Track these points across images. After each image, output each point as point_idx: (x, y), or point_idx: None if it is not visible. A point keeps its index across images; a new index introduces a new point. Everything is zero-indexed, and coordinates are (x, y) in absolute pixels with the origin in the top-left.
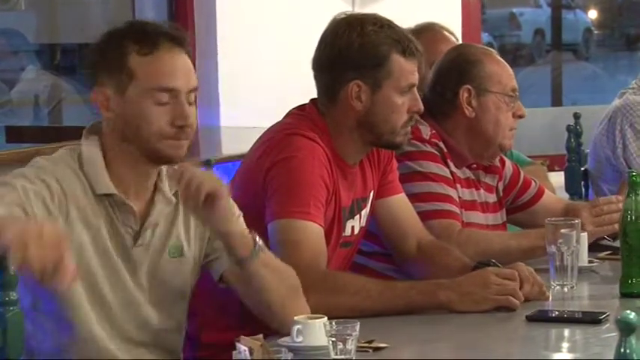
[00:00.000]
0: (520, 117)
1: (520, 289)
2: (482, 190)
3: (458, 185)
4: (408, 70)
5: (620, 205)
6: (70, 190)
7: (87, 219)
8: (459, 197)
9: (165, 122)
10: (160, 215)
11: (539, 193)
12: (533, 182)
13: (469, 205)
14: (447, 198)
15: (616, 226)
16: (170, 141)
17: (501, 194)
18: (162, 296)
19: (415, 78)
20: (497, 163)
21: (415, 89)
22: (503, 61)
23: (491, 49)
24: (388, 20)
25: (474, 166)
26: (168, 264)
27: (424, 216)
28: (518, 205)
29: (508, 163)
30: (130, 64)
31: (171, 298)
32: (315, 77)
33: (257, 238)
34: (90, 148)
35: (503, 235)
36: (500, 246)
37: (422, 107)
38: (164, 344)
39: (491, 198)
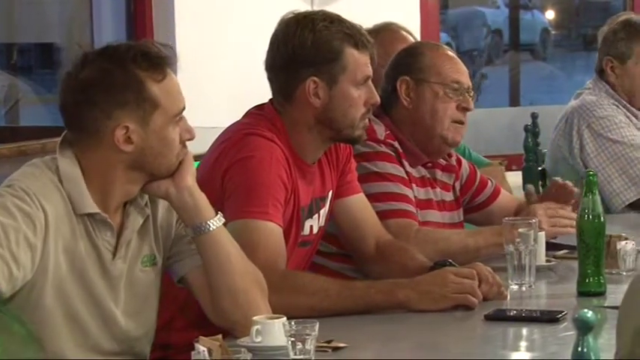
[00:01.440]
0: (465, 109)
1: (478, 288)
2: (438, 189)
3: (413, 185)
4: (362, 62)
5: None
6: (52, 211)
7: (65, 242)
8: (415, 197)
9: (178, 142)
10: (135, 226)
11: (496, 193)
12: (489, 182)
13: (425, 204)
14: (403, 197)
15: (571, 227)
16: (180, 159)
17: (458, 193)
18: (136, 306)
19: (369, 70)
20: (453, 162)
21: (370, 81)
22: (454, 55)
23: (444, 45)
24: (337, 15)
25: (430, 165)
26: (142, 274)
27: (381, 216)
28: (474, 205)
29: (465, 163)
30: (151, 94)
31: (144, 307)
32: (270, 78)
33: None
34: (68, 167)
35: (461, 233)
36: (458, 244)
37: (378, 99)
38: (134, 351)
39: (448, 196)
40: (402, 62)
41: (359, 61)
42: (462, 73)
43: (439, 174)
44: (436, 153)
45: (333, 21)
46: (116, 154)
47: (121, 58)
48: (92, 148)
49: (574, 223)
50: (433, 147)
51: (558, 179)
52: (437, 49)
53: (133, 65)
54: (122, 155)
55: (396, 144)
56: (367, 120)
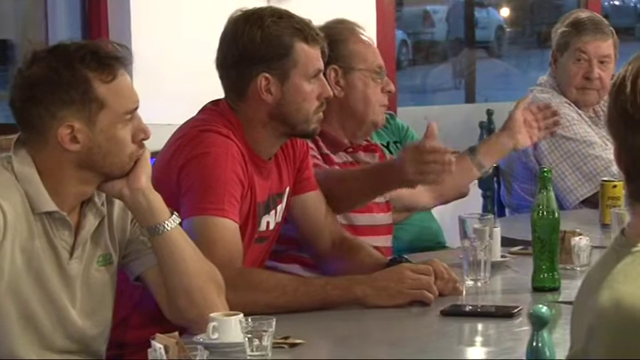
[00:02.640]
0: (389, 92)
1: (434, 284)
2: None
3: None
4: (313, 56)
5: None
6: (10, 211)
7: (22, 241)
8: None
9: (130, 141)
10: (91, 226)
11: None
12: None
13: None
14: None
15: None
16: (134, 159)
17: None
18: (92, 305)
19: (320, 63)
20: (372, 141)
21: (322, 75)
22: (369, 39)
23: (357, 27)
24: (285, 11)
25: (351, 149)
26: (98, 273)
27: None
28: None
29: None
30: (98, 94)
31: (100, 306)
32: (221, 77)
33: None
34: (23, 166)
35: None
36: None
37: (331, 92)
38: (89, 350)
39: None
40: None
41: (310, 55)
42: (380, 56)
43: (362, 155)
44: (364, 136)
45: (282, 16)
46: (63, 153)
47: (69, 57)
48: (41, 147)
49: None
50: (362, 132)
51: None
52: (356, 34)
53: (81, 65)
54: (70, 154)
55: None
56: (321, 113)
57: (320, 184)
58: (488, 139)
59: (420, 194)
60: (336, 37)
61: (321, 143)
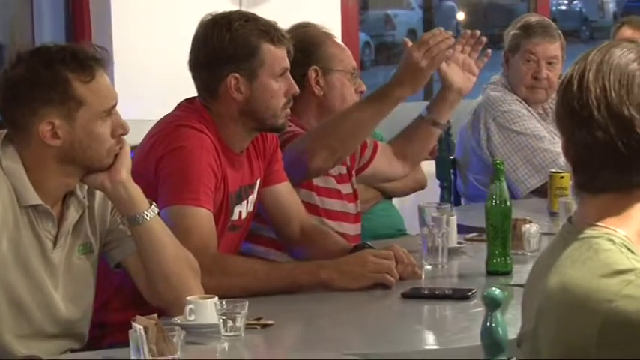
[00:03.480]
0: (361, 92)
1: (395, 268)
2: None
3: None
4: (279, 56)
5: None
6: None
7: (9, 233)
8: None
9: (108, 137)
10: (74, 217)
11: (375, 148)
12: (367, 142)
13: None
14: None
15: (449, 53)
16: (113, 153)
17: (349, 165)
18: (74, 291)
19: (286, 62)
20: None
21: (288, 73)
22: (342, 43)
23: (328, 30)
24: (252, 14)
25: None
26: (79, 261)
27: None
28: (361, 166)
29: None
30: (76, 93)
31: (81, 291)
32: (194, 77)
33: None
34: (10, 162)
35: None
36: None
37: (297, 89)
38: (74, 332)
39: (343, 170)
40: (307, 52)
41: (276, 55)
42: (353, 59)
43: None
44: None
45: (249, 19)
46: (46, 148)
47: (50, 58)
48: (26, 144)
49: (450, 44)
50: None
51: (468, 31)
52: (333, 38)
53: (61, 66)
54: (52, 150)
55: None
56: (289, 109)
57: (319, 136)
58: (434, 97)
59: (394, 165)
60: (315, 41)
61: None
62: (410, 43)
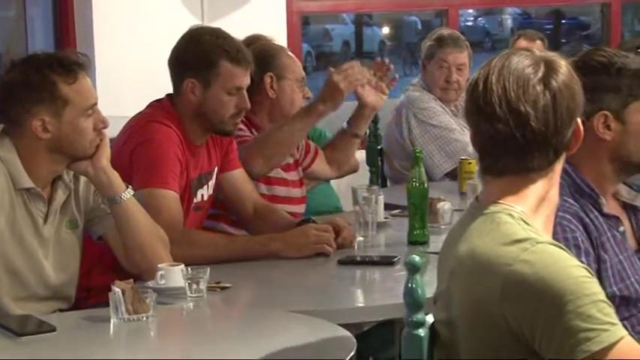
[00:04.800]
0: (308, 98)
1: (337, 238)
2: None
3: None
4: (235, 74)
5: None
6: None
7: (6, 212)
8: None
9: (91, 130)
10: (61, 198)
11: (315, 154)
12: (310, 146)
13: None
14: None
15: (364, 80)
16: (95, 144)
17: (297, 156)
18: (62, 260)
19: (242, 81)
20: None
21: (243, 91)
22: (294, 55)
23: (283, 45)
24: (225, 33)
25: None
26: (66, 235)
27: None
28: (305, 167)
29: None
30: (62, 93)
31: (68, 260)
32: (169, 75)
33: (130, 188)
34: (7, 152)
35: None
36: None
37: (248, 105)
38: (62, 295)
39: (290, 160)
40: (264, 61)
41: (232, 73)
42: (302, 70)
43: None
44: None
45: (219, 37)
46: (37, 140)
47: (39, 64)
48: (20, 136)
49: (365, 75)
50: None
51: (379, 59)
52: (286, 51)
53: (49, 70)
54: (42, 142)
55: (245, 128)
56: (238, 119)
57: (256, 147)
58: (353, 114)
59: (326, 168)
60: (272, 52)
61: (254, 132)
62: (332, 70)
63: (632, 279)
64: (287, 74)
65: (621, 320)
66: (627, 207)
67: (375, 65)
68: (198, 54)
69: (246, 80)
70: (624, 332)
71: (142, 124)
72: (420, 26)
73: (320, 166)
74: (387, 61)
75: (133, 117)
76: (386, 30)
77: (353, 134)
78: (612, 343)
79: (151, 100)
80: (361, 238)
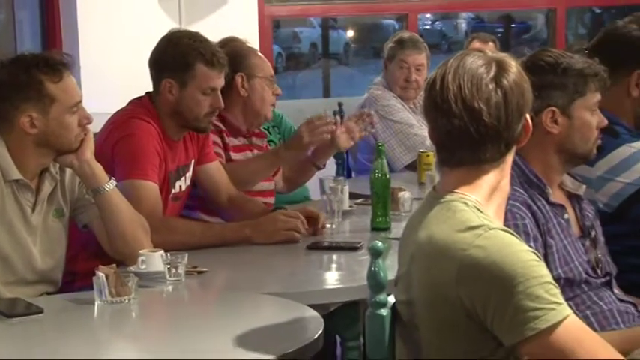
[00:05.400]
0: (277, 95)
1: (312, 226)
2: (255, 150)
3: (230, 152)
4: (209, 76)
5: (328, 123)
6: None
7: None
8: (233, 159)
9: (76, 126)
10: (48, 189)
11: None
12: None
13: None
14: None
15: (327, 136)
16: (80, 138)
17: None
18: (49, 247)
19: (216, 82)
20: (261, 129)
21: (217, 91)
22: (263, 55)
23: (254, 47)
24: (202, 37)
25: (247, 135)
26: (53, 223)
27: None
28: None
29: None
30: (49, 91)
31: (55, 247)
32: (150, 75)
33: (113, 179)
34: None
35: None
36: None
37: (221, 105)
38: (49, 279)
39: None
40: (235, 61)
41: (207, 75)
42: (271, 68)
43: (255, 139)
44: (257, 126)
45: (196, 41)
46: (26, 135)
47: (27, 64)
48: (9, 132)
49: (330, 129)
50: (257, 122)
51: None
52: (255, 51)
53: (36, 70)
54: (30, 137)
55: (220, 124)
56: (212, 118)
57: (233, 172)
58: (318, 147)
59: (280, 183)
60: (243, 53)
61: (224, 135)
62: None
63: (576, 262)
64: (257, 73)
65: (566, 300)
66: (571, 196)
67: (354, 116)
68: (175, 56)
69: (220, 81)
70: (569, 311)
71: (123, 120)
72: (383, 29)
73: (277, 179)
74: (365, 111)
75: (115, 113)
76: (351, 33)
77: (314, 164)
78: (558, 321)
79: (131, 97)
80: (328, 226)
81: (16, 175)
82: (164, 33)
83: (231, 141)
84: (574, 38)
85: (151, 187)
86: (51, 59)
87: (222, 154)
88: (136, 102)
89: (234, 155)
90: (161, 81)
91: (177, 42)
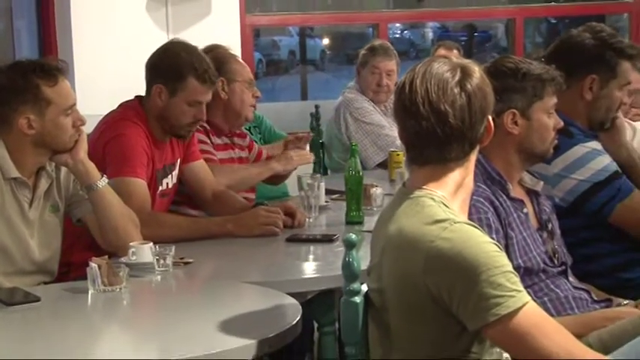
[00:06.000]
0: (257, 97)
1: (292, 221)
2: (237, 149)
3: (216, 151)
4: (198, 91)
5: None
6: None
7: None
8: (219, 158)
9: (70, 127)
10: (44, 186)
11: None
12: (255, 145)
13: (228, 161)
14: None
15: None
16: (74, 139)
17: (248, 156)
18: (46, 239)
19: (203, 97)
20: (243, 130)
21: (202, 105)
22: (242, 61)
23: (235, 53)
24: (200, 54)
25: (229, 134)
26: (49, 217)
27: None
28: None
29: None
30: (45, 95)
31: (51, 239)
32: (144, 77)
33: (105, 176)
34: None
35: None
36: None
37: (204, 118)
38: (46, 270)
39: (244, 154)
40: (216, 67)
41: (196, 90)
42: (251, 73)
43: (236, 139)
44: (238, 127)
45: (191, 53)
46: (23, 136)
47: (24, 69)
48: (8, 132)
49: (308, 156)
50: (238, 123)
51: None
52: (236, 57)
53: (32, 75)
54: (28, 137)
55: (206, 125)
56: (193, 128)
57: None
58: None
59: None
60: (224, 59)
61: (210, 134)
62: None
63: (534, 252)
64: (236, 77)
65: (525, 288)
66: (530, 192)
67: (293, 139)
68: (171, 65)
69: (207, 97)
70: (528, 298)
71: (114, 122)
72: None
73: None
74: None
75: (106, 115)
76: (326, 41)
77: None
78: (518, 308)
79: (122, 100)
80: (306, 220)
81: (14, 173)
82: (153, 41)
83: (215, 140)
84: (532, 46)
85: (139, 184)
86: (47, 65)
87: (213, 150)
88: (126, 105)
89: (218, 153)
90: (153, 85)
91: (175, 52)
